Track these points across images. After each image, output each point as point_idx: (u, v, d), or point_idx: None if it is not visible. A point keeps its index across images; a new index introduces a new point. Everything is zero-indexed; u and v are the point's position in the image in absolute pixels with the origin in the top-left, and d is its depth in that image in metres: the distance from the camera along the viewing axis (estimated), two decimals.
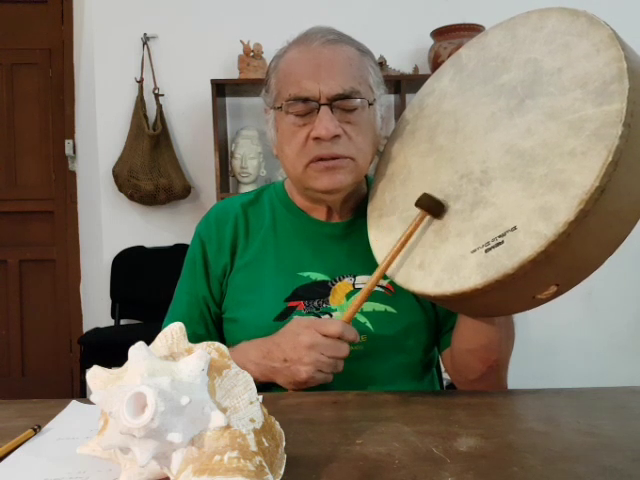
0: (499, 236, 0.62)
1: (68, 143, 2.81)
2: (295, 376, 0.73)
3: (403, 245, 0.73)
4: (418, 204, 0.71)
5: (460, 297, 0.64)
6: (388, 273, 0.75)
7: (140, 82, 2.71)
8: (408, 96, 2.55)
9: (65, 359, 2.88)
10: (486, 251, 0.62)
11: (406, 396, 0.70)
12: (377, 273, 0.74)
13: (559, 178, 0.59)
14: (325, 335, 0.72)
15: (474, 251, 0.64)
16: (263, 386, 0.80)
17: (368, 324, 0.85)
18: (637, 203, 0.58)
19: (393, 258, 0.73)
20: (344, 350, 0.73)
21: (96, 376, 0.45)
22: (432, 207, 0.70)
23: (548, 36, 0.68)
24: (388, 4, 2.79)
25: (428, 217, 0.72)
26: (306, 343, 0.72)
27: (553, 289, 0.61)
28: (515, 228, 0.60)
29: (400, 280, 0.72)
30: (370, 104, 0.83)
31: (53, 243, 2.89)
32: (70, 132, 2.82)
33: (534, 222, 0.59)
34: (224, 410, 0.44)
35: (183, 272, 0.94)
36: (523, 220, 0.60)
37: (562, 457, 0.50)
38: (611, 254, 0.60)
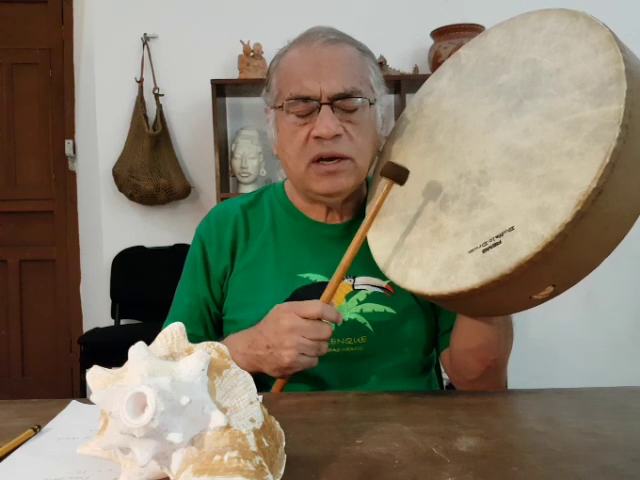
0: (497, 236, 0.62)
1: (68, 143, 2.81)
2: (278, 361, 0.73)
3: (373, 217, 0.76)
4: (384, 173, 0.74)
5: (457, 297, 0.64)
6: (385, 271, 0.75)
7: (140, 82, 2.71)
8: (408, 96, 2.55)
9: (65, 359, 2.88)
10: (484, 251, 0.62)
11: (406, 396, 0.70)
12: (352, 246, 0.76)
13: (557, 179, 0.59)
14: (305, 317, 0.72)
15: (472, 251, 0.64)
16: (263, 384, 0.80)
17: (368, 325, 0.85)
18: (634, 205, 0.58)
19: (365, 230, 0.77)
20: (325, 331, 0.72)
21: (96, 376, 0.45)
22: (399, 175, 0.73)
23: (547, 37, 0.68)
24: (388, 4, 2.79)
25: (423, 206, 0.73)
26: (286, 327, 0.71)
27: (550, 290, 0.61)
28: (512, 228, 0.60)
29: (398, 279, 0.72)
30: (371, 104, 0.84)
31: (53, 243, 2.89)
32: (70, 132, 2.82)
33: (531, 222, 0.59)
34: (224, 410, 0.44)
35: (184, 274, 0.94)
36: (520, 220, 0.60)
37: (562, 457, 0.50)
38: (608, 255, 0.60)
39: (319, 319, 0.72)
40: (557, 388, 0.71)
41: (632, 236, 0.61)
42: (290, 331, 0.71)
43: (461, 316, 0.78)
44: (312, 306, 0.72)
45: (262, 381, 0.79)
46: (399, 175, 0.73)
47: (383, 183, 0.76)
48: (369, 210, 0.84)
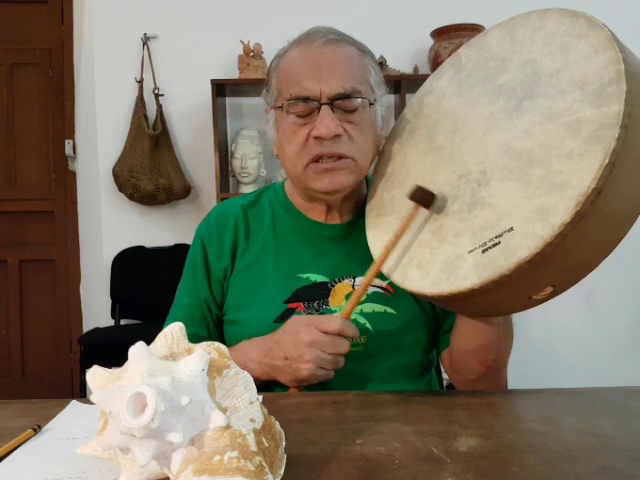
0: (496, 237, 0.62)
1: (68, 143, 2.81)
2: (296, 374, 0.74)
3: (398, 239, 0.74)
4: (412, 197, 0.72)
5: (457, 297, 0.64)
6: (385, 272, 0.75)
7: (140, 82, 2.71)
8: (408, 96, 2.55)
9: (65, 359, 2.88)
10: (483, 252, 0.62)
11: (406, 396, 0.70)
12: (374, 267, 0.75)
13: (556, 179, 0.59)
14: (325, 332, 0.72)
15: (471, 251, 0.64)
16: (264, 386, 0.80)
17: (368, 325, 0.85)
18: (634, 205, 0.58)
19: (389, 252, 0.74)
20: (344, 346, 0.73)
21: (96, 376, 0.45)
22: (426, 199, 0.71)
23: (547, 37, 0.68)
24: (388, 4, 2.79)
25: (423, 210, 0.73)
26: (306, 341, 0.72)
27: (549, 290, 0.61)
28: (512, 229, 0.60)
29: (397, 279, 0.72)
30: (371, 104, 0.84)
31: (53, 243, 2.89)
32: (70, 132, 2.82)
33: (531, 223, 0.59)
34: (224, 410, 0.44)
35: (184, 274, 0.94)
36: (520, 221, 0.60)
37: (562, 457, 0.50)
38: (607, 256, 0.60)
39: (338, 334, 0.72)
40: (557, 388, 0.71)
41: (632, 236, 0.61)
42: (310, 345, 0.72)
43: (461, 316, 0.78)
44: (333, 321, 0.73)
45: (265, 383, 0.79)
46: (426, 199, 0.72)
47: (409, 206, 0.74)
48: (369, 214, 0.84)
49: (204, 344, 0.48)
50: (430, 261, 0.68)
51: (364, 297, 0.86)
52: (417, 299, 0.86)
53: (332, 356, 0.72)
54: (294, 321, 0.76)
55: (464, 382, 0.84)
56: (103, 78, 2.78)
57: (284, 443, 0.49)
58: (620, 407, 0.64)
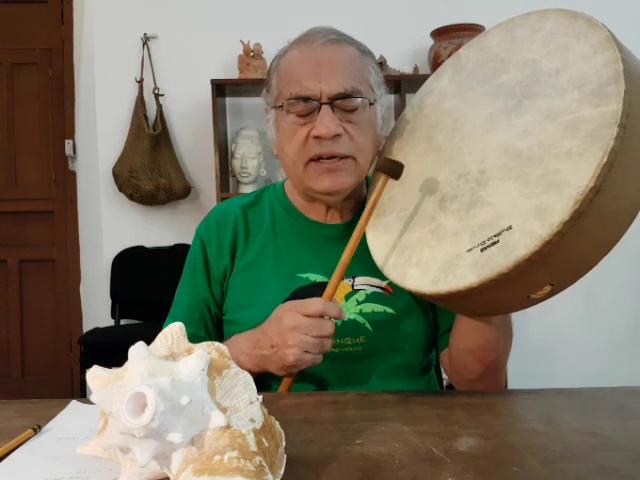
0: (494, 235, 0.62)
1: (68, 143, 2.81)
2: (283, 360, 0.73)
3: (371, 212, 0.77)
4: (379, 168, 0.75)
5: (455, 296, 0.64)
6: (384, 271, 0.75)
7: (140, 82, 2.71)
8: (408, 96, 2.55)
9: (65, 359, 2.88)
10: (482, 250, 0.62)
11: (406, 396, 0.70)
12: (351, 242, 0.77)
13: (555, 179, 0.59)
14: (307, 315, 0.72)
15: (470, 250, 0.64)
16: (264, 384, 0.80)
17: (367, 325, 0.85)
18: (632, 204, 0.58)
19: (363, 226, 0.77)
20: (328, 328, 0.73)
21: (96, 376, 0.45)
22: (393, 169, 0.75)
23: (546, 37, 0.68)
24: (388, 4, 2.79)
25: (424, 207, 0.74)
26: (289, 325, 0.72)
27: (547, 289, 0.61)
28: (510, 228, 0.61)
29: (396, 278, 0.72)
30: (371, 104, 0.84)
31: (53, 243, 2.89)
32: (70, 132, 2.82)
33: (529, 222, 0.59)
34: (224, 410, 0.44)
35: (184, 274, 0.94)
36: (519, 220, 0.60)
37: (562, 457, 0.50)
38: (605, 255, 0.60)
39: (321, 316, 0.72)
40: (557, 388, 0.71)
41: (632, 236, 0.61)
42: (293, 329, 0.72)
43: (460, 316, 0.78)
44: (314, 304, 0.73)
45: (264, 381, 0.79)
46: (394, 169, 0.74)
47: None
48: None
49: (204, 344, 0.48)
50: (429, 260, 0.68)
51: (363, 296, 0.86)
52: (416, 299, 0.86)
53: (317, 339, 0.72)
54: (279, 309, 0.76)
55: (463, 382, 0.84)
56: (103, 78, 2.78)
57: (284, 443, 0.49)
58: (620, 407, 0.64)
